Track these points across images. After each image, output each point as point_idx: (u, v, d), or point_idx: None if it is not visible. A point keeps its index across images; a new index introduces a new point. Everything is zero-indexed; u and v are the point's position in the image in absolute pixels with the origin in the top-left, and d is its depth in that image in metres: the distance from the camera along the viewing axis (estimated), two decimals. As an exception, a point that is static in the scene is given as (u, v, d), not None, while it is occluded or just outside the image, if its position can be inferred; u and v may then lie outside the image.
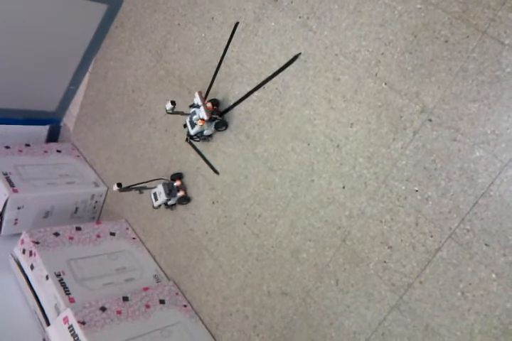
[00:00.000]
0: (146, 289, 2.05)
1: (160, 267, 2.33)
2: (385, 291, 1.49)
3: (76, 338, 1.71)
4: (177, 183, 2.16)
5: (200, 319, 2.10)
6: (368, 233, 1.52)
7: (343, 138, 1.56)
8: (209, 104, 1.96)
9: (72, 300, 1.87)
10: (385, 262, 1.48)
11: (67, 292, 1.90)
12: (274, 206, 1.81)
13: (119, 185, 2.09)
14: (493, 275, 1.25)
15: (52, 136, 3.06)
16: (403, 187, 1.41)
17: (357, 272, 1.56)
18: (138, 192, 2.18)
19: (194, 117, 1.93)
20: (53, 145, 2.83)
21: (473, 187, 1.27)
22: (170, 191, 2.11)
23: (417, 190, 1.38)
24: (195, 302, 2.15)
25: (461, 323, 1.32)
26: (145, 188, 2.21)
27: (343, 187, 1.58)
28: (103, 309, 1.84)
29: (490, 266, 1.26)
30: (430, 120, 1.33)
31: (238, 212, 1.95)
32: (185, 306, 2.10)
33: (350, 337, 1.59)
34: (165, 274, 2.31)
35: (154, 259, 2.36)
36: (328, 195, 1.62)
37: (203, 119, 1.88)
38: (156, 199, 2.15)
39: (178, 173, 2.19)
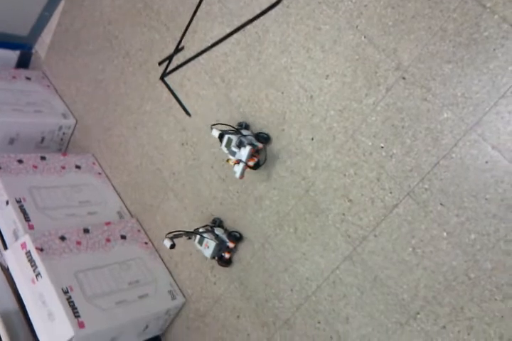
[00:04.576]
0: (108, 224, 2.08)
1: (124, 204, 2.34)
2: (340, 242, 1.54)
3: (33, 264, 1.73)
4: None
5: (160, 256, 2.15)
6: (331, 185, 1.55)
7: (317, 89, 1.55)
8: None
9: (31, 227, 1.88)
10: (343, 214, 1.52)
11: (26, 218, 1.90)
12: (242, 152, 1.81)
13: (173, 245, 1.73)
14: (444, 234, 1.30)
15: (23, 63, 2.95)
16: (370, 143, 1.43)
17: (316, 222, 1.60)
18: (187, 238, 1.86)
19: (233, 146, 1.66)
20: (23, 72, 2.73)
21: (436, 148, 1.29)
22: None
23: (382, 147, 1.40)
24: (156, 240, 2.19)
25: (409, 277, 1.39)
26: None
27: (312, 139, 1.58)
28: (62, 238, 1.86)
29: (442, 225, 1.30)
30: (404, 78, 1.33)
31: (207, 155, 1.95)
32: (145, 243, 2.14)
33: (302, 282, 1.65)
34: (128, 211, 2.33)
35: (119, 196, 2.37)
36: (297, 146, 1.63)
37: (238, 161, 1.64)
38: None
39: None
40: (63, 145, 2.65)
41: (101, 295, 1.78)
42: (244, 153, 1.62)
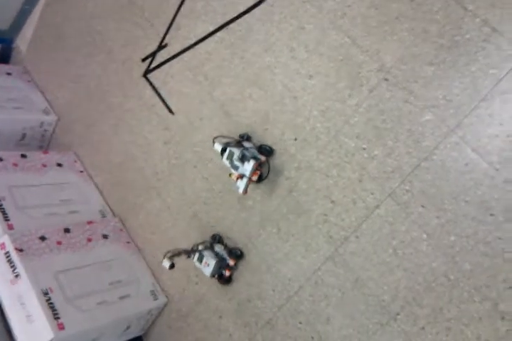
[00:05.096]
0: (90, 223, 2.06)
1: (106, 203, 2.32)
2: (322, 243, 1.54)
3: (12, 265, 1.71)
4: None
5: (143, 256, 2.13)
6: (314, 186, 1.54)
7: (301, 89, 1.54)
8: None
9: (10, 227, 1.85)
10: (325, 215, 1.52)
11: (6, 218, 1.87)
12: (225, 151, 1.80)
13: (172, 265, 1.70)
14: (425, 236, 1.31)
15: (3, 58, 2.90)
16: (352, 144, 1.43)
17: (298, 222, 1.60)
18: (186, 257, 1.77)
19: (235, 159, 1.61)
20: (3, 67, 2.69)
21: (417, 150, 1.29)
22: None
23: (364, 148, 1.40)
24: (139, 239, 2.17)
25: (389, 278, 1.39)
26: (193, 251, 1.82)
27: (295, 139, 1.58)
28: (43, 238, 1.84)
29: (423, 226, 1.31)
30: (386, 79, 1.32)
31: (190, 154, 1.94)
32: (128, 243, 2.12)
33: (285, 283, 1.65)
34: (111, 210, 2.31)
35: (101, 194, 2.34)
36: (280, 146, 1.62)
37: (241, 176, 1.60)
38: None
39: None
40: (44, 142, 2.61)
41: (81, 296, 1.76)
42: (248, 167, 1.56)
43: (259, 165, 1.60)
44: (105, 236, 2.04)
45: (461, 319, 1.24)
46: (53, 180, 2.19)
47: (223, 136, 1.73)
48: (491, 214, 1.18)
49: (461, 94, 1.19)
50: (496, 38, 1.11)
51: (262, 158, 1.63)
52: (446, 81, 1.21)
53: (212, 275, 1.77)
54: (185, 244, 1.95)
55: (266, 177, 1.65)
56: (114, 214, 2.28)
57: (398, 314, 1.37)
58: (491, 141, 1.16)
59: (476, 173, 1.20)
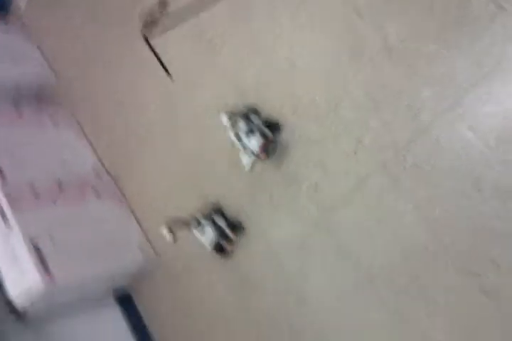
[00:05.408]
0: (83, 179, 2.06)
1: (101, 161, 2.32)
2: (311, 211, 1.58)
3: (4, 215, 1.72)
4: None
5: (134, 214, 2.15)
6: (308, 156, 1.57)
7: (302, 59, 1.55)
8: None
9: (4, 177, 1.86)
10: (317, 184, 1.56)
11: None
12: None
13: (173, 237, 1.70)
14: (410, 207, 1.35)
15: (1, 13, 2.85)
16: (350, 115, 1.45)
17: (290, 191, 1.63)
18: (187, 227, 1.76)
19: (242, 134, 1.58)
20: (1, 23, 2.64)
21: (414, 124, 1.32)
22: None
23: (361, 120, 1.43)
24: (132, 198, 2.19)
25: (371, 245, 1.45)
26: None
27: (294, 109, 1.60)
28: (35, 190, 1.84)
29: (410, 199, 1.35)
30: (389, 53, 1.34)
31: (185, 114, 1.96)
32: (120, 200, 2.13)
33: (276, 247, 1.69)
34: (105, 169, 2.31)
35: (96, 152, 2.34)
36: (280, 119, 1.64)
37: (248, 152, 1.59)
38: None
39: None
40: (41, 99, 2.59)
41: (71, 248, 1.79)
42: (255, 143, 1.53)
43: (266, 141, 1.58)
44: (98, 194, 2.06)
45: (435, 288, 1.30)
46: (49, 139, 2.18)
47: (229, 107, 1.70)
48: (479, 190, 1.22)
49: (463, 72, 1.21)
50: (502, 16, 1.13)
51: (270, 135, 1.59)
52: (449, 58, 1.23)
53: (212, 247, 1.77)
54: (179, 207, 1.98)
55: (274, 153, 1.62)
56: (107, 173, 2.29)
57: (375, 278, 1.43)
58: (488, 120, 1.20)
59: (471, 151, 1.23)
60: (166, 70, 2.00)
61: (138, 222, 2.14)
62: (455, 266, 1.27)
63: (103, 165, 2.32)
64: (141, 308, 2.20)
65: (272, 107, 1.65)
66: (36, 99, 2.56)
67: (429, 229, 1.31)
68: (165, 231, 1.67)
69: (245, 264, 1.78)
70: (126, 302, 2.15)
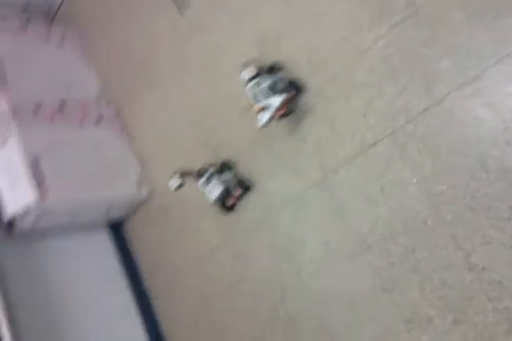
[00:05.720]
0: (85, 103, 2.00)
1: (105, 88, 2.26)
2: (313, 169, 1.55)
3: (5, 126, 1.69)
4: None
5: (134, 146, 2.13)
6: (319, 110, 1.51)
7: (320, 16, 1.44)
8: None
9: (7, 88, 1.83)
10: (321, 143, 1.52)
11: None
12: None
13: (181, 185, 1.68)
14: (415, 180, 1.31)
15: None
16: (363, 78, 1.38)
17: (293, 146, 1.59)
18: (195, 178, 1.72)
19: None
20: None
21: (428, 94, 1.25)
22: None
23: (376, 84, 1.35)
24: (133, 128, 2.15)
25: (371, 212, 1.42)
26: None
27: (308, 64, 1.51)
28: (38, 105, 1.79)
29: (415, 170, 1.31)
30: (413, 17, 1.23)
31: (197, 55, 1.87)
32: (121, 130, 2.10)
33: (271, 200, 1.69)
34: (108, 96, 2.25)
35: (101, 79, 2.27)
36: (294, 74, 1.55)
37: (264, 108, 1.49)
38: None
39: None
40: (49, 15, 2.46)
41: (69, 169, 1.78)
42: (277, 100, 1.46)
43: (289, 99, 1.51)
44: (99, 119, 2.00)
45: (430, 262, 1.30)
46: (53, 60, 2.09)
47: (251, 61, 1.60)
48: (486, 171, 1.18)
49: (486, 46, 1.12)
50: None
51: (292, 92, 1.52)
52: (474, 30, 1.13)
53: (216, 202, 1.75)
54: (185, 155, 1.96)
55: (292, 112, 1.56)
56: (111, 100, 2.23)
57: (372, 246, 1.43)
58: (506, 99, 1.13)
59: (482, 128, 1.18)
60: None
61: (139, 161, 2.11)
62: (453, 244, 1.25)
63: (107, 92, 2.26)
64: (130, 238, 2.23)
65: (292, 63, 1.56)
66: (45, 14, 2.44)
67: (432, 204, 1.28)
68: (175, 178, 1.64)
69: (244, 219, 1.77)
70: (116, 230, 2.17)
